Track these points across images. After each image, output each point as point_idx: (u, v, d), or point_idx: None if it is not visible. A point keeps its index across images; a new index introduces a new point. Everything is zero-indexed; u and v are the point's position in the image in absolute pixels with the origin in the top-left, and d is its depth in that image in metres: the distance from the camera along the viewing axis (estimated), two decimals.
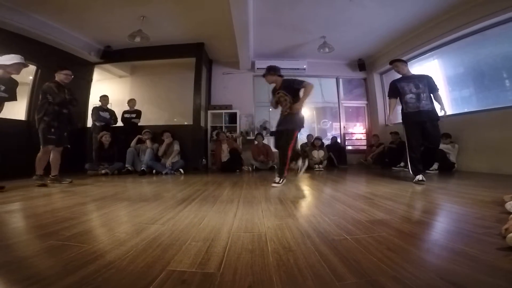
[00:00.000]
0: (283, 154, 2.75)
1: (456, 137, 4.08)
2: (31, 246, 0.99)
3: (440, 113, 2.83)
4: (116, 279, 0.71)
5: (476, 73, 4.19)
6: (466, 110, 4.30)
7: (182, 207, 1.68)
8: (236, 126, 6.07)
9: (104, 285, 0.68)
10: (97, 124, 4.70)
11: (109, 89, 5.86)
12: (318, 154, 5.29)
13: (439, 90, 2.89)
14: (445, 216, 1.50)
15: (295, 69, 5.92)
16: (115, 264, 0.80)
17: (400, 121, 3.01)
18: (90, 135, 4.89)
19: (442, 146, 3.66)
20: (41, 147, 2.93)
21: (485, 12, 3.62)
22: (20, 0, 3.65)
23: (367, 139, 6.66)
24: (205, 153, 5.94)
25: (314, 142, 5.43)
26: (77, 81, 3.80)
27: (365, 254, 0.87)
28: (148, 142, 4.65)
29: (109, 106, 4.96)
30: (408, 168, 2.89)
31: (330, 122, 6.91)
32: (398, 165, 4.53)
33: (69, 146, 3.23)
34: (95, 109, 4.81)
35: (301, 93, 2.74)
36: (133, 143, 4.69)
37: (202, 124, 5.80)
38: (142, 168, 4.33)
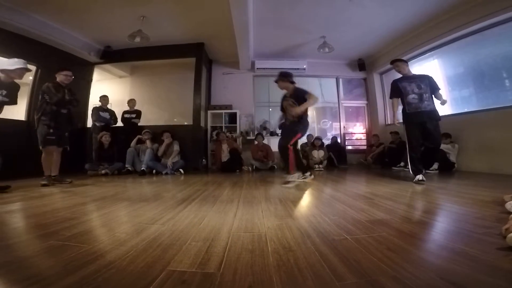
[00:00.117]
0: (283, 150, 2.76)
1: (456, 137, 4.08)
2: (31, 246, 0.99)
3: (440, 107, 2.85)
4: (116, 279, 0.71)
5: (476, 73, 4.19)
6: (466, 110, 4.31)
7: (182, 207, 1.68)
8: (236, 126, 6.08)
9: (104, 285, 0.68)
10: (97, 124, 4.70)
11: (109, 89, 5.86)
12: (318, 154, 5.30)
13: (440, 90, 2.91)
14: (445, 216, 1.50)
15: (295, 69, 5.90)
16: (115, 264, 0.80)
17: (400, 120, 3.02)
18: (90, 135, 4.90)
19: (442, 146, 3.65)
20: (40, 147, 2.94)
21: (485, 12, 3.62)
22: (20, 0, 3.65)
23: (367, 139, 6.65)
24: (205, 153, 5.94)
25: (314, 142, 5.43)
26: (77, 81, 3.79)
27: (365, 254, 0.87)
28: (148, 142, 4.66)
29: (109, 106, 4.97)
30: (408, 168, 2.90)
31: (330, 122, 6.91)
32: (398, 165, 4.53)
33: (68, 147, 3.23)
34: (95, 109, 4.81)
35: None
36: (133, 143, 4.69)
37: (202, 124, 5.80)
38: (142, 168, 4.34)
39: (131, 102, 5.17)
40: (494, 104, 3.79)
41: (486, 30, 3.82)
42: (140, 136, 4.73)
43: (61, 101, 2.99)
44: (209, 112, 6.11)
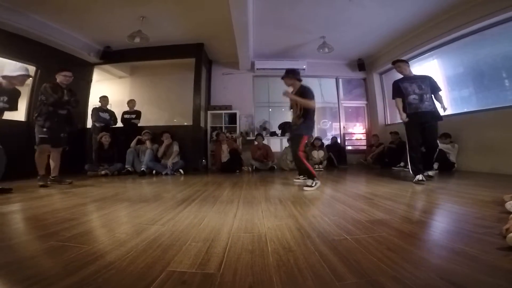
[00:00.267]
0: (296, 159, 2.74)
1: (456, 137, 4.09)
2: (32, 247, 0.99)
3: (441, 111, 2.85)
4: (116, 279, 0.72)
5: (475, 73, 4.20)
6: (465, 110, 4.31)
7: (182, 208, 1.68)
8: (236, 126, 6.07)
9: (104, 285, 0.68)
10: (97, 125, 4.70)
11: (108, 89, 5.85)
12: (318, 154, 5.30)
13: (441, 90, 2.91)
14: (445, 216, 1.50)
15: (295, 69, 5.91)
16: (115, 265, 0.80)
17: (400, 120, 3.02)
18: (89, 136, 4.89)
19: (442, 146, 3.67)
20: (35, 146, 2.95)
21: (485, 12, 3.62)
22: (19, 0, 3.65)
23: (367, 139, 6.66)
24: (205, 153, 5.94)
25: (314, 142, 5.43)
26: (77, 82, 3.78)
27: (365, 254, 0.87)
28: (148, 143, 4.65)
29: (108, 106, 4.96)
30: (408, 168, 2.90)
31: (330, 122, 6.91)
32: (398, 165, 4.53)
33: (67, 147, 3.22)
34: (95, 110, 4.80)
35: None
36: (133, 143, 4.69)
37: (202, 124, 5.80)
38: (142, 169, 4.33)
39: (131, 102, 5.17)
40: (493, 104, 3.79)
41: (485, 30, 3.82)
42: (140, 137, 4.73)
43: (58, 102, 2.96)
44: (209, 112, 6.11)
